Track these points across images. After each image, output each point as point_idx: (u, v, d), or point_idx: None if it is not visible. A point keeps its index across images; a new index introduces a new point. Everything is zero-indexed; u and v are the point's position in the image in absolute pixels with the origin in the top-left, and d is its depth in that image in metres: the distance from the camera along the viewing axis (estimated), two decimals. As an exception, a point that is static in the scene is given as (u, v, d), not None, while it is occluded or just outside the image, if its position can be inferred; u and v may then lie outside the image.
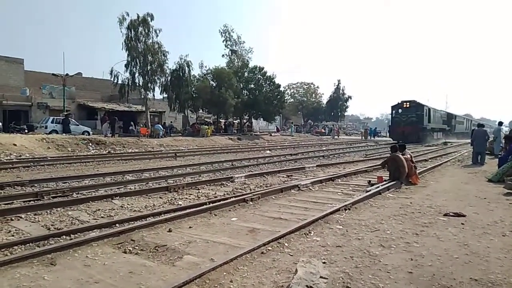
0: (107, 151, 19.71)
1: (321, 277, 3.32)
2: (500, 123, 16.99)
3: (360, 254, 4.09)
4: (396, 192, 8.13)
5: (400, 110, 33.27)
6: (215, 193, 7.95)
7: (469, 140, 15.90)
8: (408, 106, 32.78)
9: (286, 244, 4.39)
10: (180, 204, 6.67)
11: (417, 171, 9.95)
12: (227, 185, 9.04)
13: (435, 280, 3.41)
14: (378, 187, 8.09)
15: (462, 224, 5.41)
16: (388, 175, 9.13)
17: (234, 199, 6.88)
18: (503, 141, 15.41)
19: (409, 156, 9.59)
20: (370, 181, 9.14)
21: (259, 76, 41.33)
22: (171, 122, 39.72)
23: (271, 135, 41.14)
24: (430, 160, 15.68)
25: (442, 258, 3.96)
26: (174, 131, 34.99)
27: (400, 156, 9.08)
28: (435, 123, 35.92)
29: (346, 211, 6.14)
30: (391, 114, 34.71)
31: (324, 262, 3.77)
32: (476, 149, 14.20)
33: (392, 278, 3.44)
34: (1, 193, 7.66)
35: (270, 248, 4.22)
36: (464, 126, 52.77)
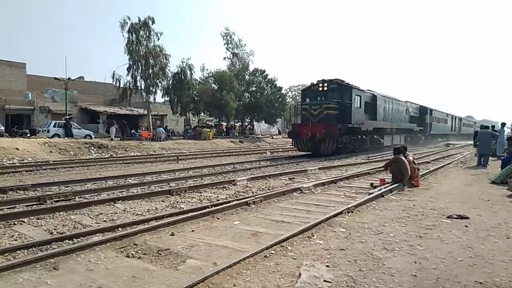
0: (109, 154, 19.74)
1: (324, 280, 3.31)
2: (503, 124, 16.91)
3: (364, 257, 4.07)
4: (399, 194, 8.11)
5: (318, 98, 19.90)
6: (218, 196, 7.94)
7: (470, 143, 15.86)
8: (324, 89, 19.69)
9: (289, 248, 4.38)
10: (183, 208, 6.66)
11: (420, 173, 9.92)
12: (229, 188, 9.02)
13: (440, 283, 3.39)
14: (381, 189, 8.06)
15: (466, 226, 5.39)
16: (390, 178, 9.11)
17: (236, 202, 6.86)
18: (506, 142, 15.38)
19: (411, 158, 9.57)
20: (372, 183, 9.12)
21: (260, 78, 41.44)
22: (188, 126, 39.30)
23: (272, 138, 41.16)
24: (432, 162, 15.63)
25: (446, 261, 3.94)
26: (189, 135, 34.39)
27: (403, 158, 9.06)
28: (386, 121, 23.58)
29: (349, 214, 6.12)
30: (301, 105, 20.84)
31: (327, 266, 3.75)
32: (480, 150, 14.16)
33: (396, 282, 3.42)
34: (4, 197, 7.67)
35: (273, 252, 4.20)
36: (449, 125, 39.55)
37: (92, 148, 20.92)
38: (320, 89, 19.89)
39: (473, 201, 7.29)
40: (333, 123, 18.34)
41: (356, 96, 19.98)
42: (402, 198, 7.70)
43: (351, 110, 19.26)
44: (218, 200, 7.33)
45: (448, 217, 5.92)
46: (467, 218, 5.82)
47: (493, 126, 17.14)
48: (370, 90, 22.37)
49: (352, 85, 19.98)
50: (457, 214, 6.01)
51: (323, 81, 19.88)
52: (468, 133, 48.84)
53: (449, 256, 4.11)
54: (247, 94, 40.78)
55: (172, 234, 5.00)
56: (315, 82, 20.47)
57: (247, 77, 41.52)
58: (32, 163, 14.35)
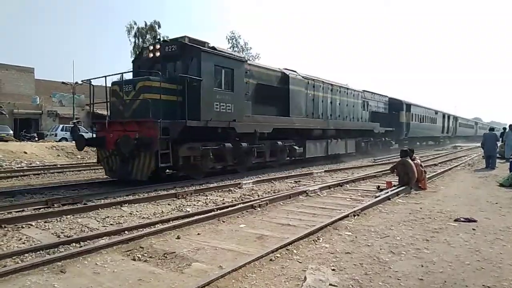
0: (116, 158, 19.83)
1: (330, 284, 3.30)
2: (511, 126, 16.75)
3: (370, 261, 4.05)
4: (405, 197, 8.05)
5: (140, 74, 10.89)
6: (223, 199, 7.95)
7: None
8: (156, 54, 10.80)
9: (295, 251, 4.37)
10: (188, 211, 6.68)
11: (427, 176, 9.84)
12: (235, 191, 9.03)
13: (447, 287, 3.36)
14: (387, 192, 8.02)
15: (473, 229, 5.34)
16: (397, 180, 9.05)
17: (242, 205, 6.87)
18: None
19: (418, 161, 9.51)
20: (379, 186, 9.07)
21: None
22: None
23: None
24: (439, 164, 15.51)
25: (453, 265, 3.91)
26: None
27: (410, 161, 9.02)
28: (312, 117, 15.46)
29: (355, 217, 6.09)
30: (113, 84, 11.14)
31: (333, 269, 3.74)
32: (487, 152, 14.12)
33: (403, 286, 3.39)
34: (12, 200, 7.75)
35: (278, 255, 4.19)
36: (439, 125, 32.10)
37: (99, 151, 21.04)
38: (151, 54, 10.96)
39: (481, 204, 7.22)
40: (148, 120, 9.18)
41: (216, 68, 10.50)
42: (409, 201, 7.65)
43: (199, 95, 10.05)
44: (223, 203, 7.34)
45: (456, 220, 5.87)
46: (474, 221, 5.77)
47: (504, 129, 17.01)
48: (287, 69, 14.36)
49: (214, 47, 10.90)
50: (465, 217, 5.96)
51: (156, 42, 12.40)
52: (466, 135, 45.22)
53: (456, 259, 4.07)
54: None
55: (178, 237, 5.01)
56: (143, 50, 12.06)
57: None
58: (40, 167, 14.49)
